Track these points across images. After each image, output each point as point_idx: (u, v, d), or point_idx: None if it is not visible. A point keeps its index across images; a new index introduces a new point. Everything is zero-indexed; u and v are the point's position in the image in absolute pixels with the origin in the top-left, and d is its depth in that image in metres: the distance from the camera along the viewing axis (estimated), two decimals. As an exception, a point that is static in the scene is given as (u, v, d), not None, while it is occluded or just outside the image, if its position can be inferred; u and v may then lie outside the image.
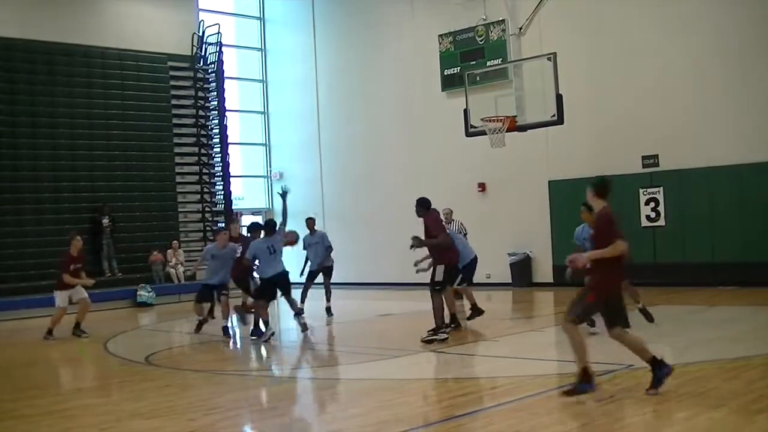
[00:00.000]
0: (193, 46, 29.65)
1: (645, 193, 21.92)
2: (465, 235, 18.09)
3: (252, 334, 15.49)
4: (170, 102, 28.95)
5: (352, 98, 29.25)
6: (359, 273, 27.20)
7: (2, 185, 24.80)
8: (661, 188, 21.70)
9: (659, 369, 8.63)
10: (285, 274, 15.37)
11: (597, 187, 9.20)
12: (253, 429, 9.03)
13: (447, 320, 14.22)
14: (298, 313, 15.61)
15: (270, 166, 32.33)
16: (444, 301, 14.15)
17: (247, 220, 31.00)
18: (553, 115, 18.54)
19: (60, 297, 17.00)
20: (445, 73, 25.96)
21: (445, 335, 13.81)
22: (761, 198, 20.18)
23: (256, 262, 15.45)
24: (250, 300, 16.30)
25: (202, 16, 30.31)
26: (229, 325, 16.61)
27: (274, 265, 15.18)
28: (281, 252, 15.41)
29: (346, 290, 23.70)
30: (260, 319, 15.29)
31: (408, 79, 27.32)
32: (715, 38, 20.97)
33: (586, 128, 22.53)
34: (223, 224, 28.51)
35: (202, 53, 29.83)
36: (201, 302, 16.39)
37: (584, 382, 8.83)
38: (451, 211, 19.88)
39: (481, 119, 19.60)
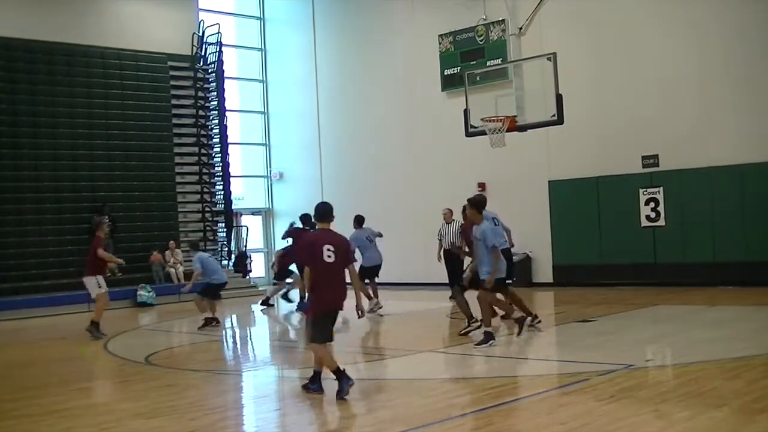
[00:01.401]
0: (193, 45, 29.68)
1: (645, 193, 21.91)
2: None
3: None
4: (170, 102, 28.99)
5: (352, 98, 29.25)
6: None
7: (3, 185, 24.85)
8: (661, 188, 21.68)
9: (343, 380, 9.38)
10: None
11: (315, 212, 9.98)
12: (254, 429, 9.03)
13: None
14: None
15: (270, 166, 32.33)
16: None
17: (246, 219, 31.15)
18: (553, 115, 18.53)
19: (98, 281, 16.59)
20: (445, 73, 25.96)
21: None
22: (761, 198, 20.18)
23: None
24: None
25: (202, 15, 30.33)
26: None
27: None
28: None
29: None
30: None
31: (408, 79, 27.33)
32: (717, 38, 20.96)
33: (586, 128, 22.53)
34: (224, 225, 28.71)
35: (202, 53, 29.86)
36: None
37: (315, 382, 9.73)
38: (451, 212, 19.88)
39: (481, 119, 19.59)
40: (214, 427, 8.70)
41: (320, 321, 9.61)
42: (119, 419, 9.13)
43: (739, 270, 20.19)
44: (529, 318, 14.17)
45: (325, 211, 9.88)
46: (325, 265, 9.45)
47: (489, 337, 12.85)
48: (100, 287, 16.65)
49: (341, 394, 9.29)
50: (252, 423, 9.23)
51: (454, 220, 19.90)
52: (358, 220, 19.61)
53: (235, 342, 16.93)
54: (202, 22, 30.02)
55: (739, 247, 20.41)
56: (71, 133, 26.48)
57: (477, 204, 13.40)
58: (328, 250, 9.48)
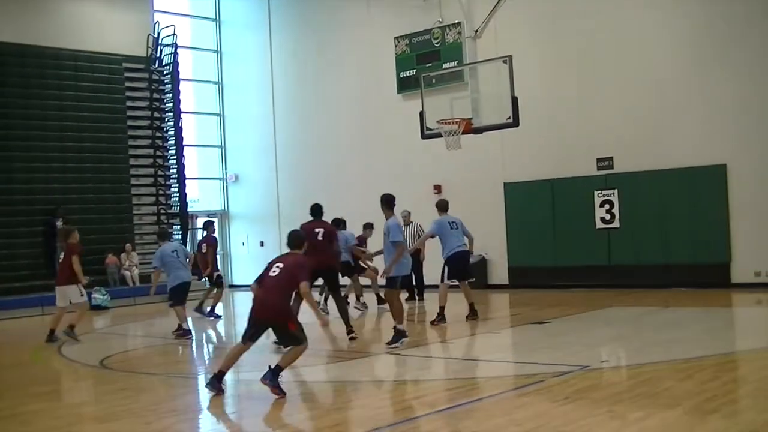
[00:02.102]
0: (148, 47, 29.49)
1: (600, 195, 22.10)
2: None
3: None
4: (125, 104, 28.77)
5: (308, 100, 29.22)
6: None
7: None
8: (616, 190, 21.88)
9: (219, 381, 10.08)
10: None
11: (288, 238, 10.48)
12: (210, 432, 9.02)
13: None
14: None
15: (225, 169, 32.20)
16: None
17: (202, 222, 30.93)
18: (509, 118, 18.57)
19: (80, 289, 16.12)
20: (401, 76, 26.02)
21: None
22: (713, 200, 20.43)
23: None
24: None
25: (157, 17, 30.12)
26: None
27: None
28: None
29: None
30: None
31: (364, 82, 27.35)
32: (670, 44, 21.25)
33: (542, 131, 22.68)
34: (179, 227, 28.55)
35: (158, 55, 29.68)
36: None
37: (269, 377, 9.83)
38: (409, 213, 20.00)
39: (437, 121, 19.61)
40: (169, 430, 8.65)
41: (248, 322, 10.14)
42: (74, 423, 9.08)
43: (691, 272, 20.45)
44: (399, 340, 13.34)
45: (298, 237, 10.49)
46: (268, 277, 9.97)
47: (400, 335, 13.18)
48: (82, 296, 16.19)
49: (208, 387, 10.03)
50: (208, 426, 9.19)
51: (412, 222, 20.04)
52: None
53: (190, 345, 16.82)
54: (157, 24, 29.83)
55: (691, 249, 20.65)
56: (25, 134, 26.15)
57: (385, 201, 13.71)
58: (277, 266, 10.03)
